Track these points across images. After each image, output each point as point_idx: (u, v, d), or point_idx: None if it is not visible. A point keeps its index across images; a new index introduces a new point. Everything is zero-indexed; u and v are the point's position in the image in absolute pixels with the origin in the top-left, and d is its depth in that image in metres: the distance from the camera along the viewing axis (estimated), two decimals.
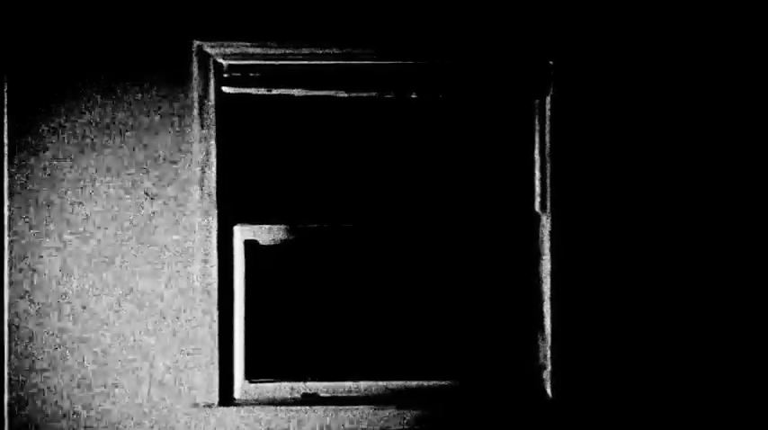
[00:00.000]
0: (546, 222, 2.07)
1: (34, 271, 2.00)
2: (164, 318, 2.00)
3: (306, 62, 2.04)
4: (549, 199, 2.06)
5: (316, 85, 2.06)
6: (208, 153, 2.01)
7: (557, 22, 2.03)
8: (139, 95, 2.01)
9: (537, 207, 2.10)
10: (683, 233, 2.04)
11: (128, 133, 2.01)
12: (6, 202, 2.00)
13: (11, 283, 2.00)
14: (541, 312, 2.09)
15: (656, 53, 2.04)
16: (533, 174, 2.12)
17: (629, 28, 2.04)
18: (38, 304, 2.00)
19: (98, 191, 2.01)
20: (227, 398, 2.05)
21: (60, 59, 2.00)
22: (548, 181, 2.06)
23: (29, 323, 2.00)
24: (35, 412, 2.00)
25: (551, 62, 2.05)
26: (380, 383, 2.09)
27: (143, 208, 2.01)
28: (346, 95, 2.08)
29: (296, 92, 2.07)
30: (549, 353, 2.06)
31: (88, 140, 2.01)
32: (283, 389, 2.09)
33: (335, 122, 2.13)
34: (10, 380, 2.00)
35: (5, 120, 2.00)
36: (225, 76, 2.05)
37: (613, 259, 2.04)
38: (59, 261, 2.00)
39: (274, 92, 2.07)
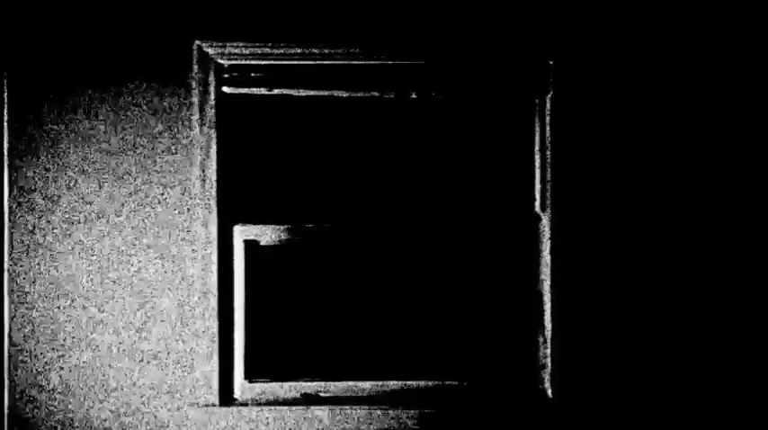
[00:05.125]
0: (546, 222, 2.07)
1: (34, 271, 2.00)
2: (164, 317, 2.01)
3: (306, 62, 2.04)
4: (549, 199, 2.06)
5: (316, 85, 2.06)
6: (208, 153, 2.02)
7: (557, 22, 2.03)
8: (139, 95, 2.01)
9: (537, 207, 2.10)
10: (684, 233, 2.04)
11: (128, 133, 2.01)
12: (6, 202, 2.00)
13: (10, 283, 2.00)
14: (541, 312, 2.09)
15: (655, 53, 2.04)
16: (533, 174, 2.12)
17: (628, 28, 2.04)
18: (37, 304, 2.00)
19: (98, 190, 2.01)
20: (227, 398, 2.05)
21: (60, 59, 2.00)
22: (548, 181, 2.06)
23: (28, 323, 2.00)
24: (35, 412, 2.00)
25: (551, 62, 2.05)
26: (380, 383, 2.09)
27: (143, 208, 2.01)
28: (346, 95, 2.08)
29: (296, 92, 2.07)
30: (549, 353, 2.06)
31: (88, 140, 2.01)
32: (283, 389, 2.09)
33: (335, 122, 2.13)
34: (10, 379, 2.00)
35: (5, 121, 2.00)
36: (225, 76, 2.05)
37: (613, 259, 2.04)
38: (59, 261, 2.00)
39: (274, 92, 2.07)
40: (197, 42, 2.01)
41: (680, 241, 2.04)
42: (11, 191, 2.01)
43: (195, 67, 2.01)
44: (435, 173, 2.13)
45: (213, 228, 2.02)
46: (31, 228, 2.00)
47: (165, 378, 2.01)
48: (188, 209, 2.01)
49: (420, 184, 2.13)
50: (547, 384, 2.08)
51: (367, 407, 2.03)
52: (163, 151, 2.01)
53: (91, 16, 2.01)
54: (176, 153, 2.02)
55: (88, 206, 2.01)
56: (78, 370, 2.00)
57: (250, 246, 2.09)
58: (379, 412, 2.03)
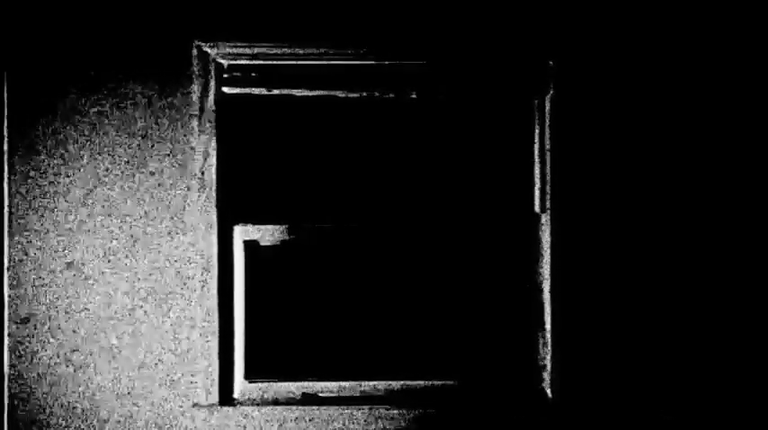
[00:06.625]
0: (546, 222, 2.07)
1: (34, 270, 2.00)
2: (164, 317, 2.01)
3: (306, 62, 2.04)
4: (548, 199, 2.06)
5: (316, 84, 2.06)
6: (208, 153, 2.02)
7: (557, 22, 2.03)
8: (139, 95, 2.01)
9: (537, 207, 2.10)
10: (684, 233, 2.04)
11: (127, 133, 2.01)
12: (6, 202, 2.00)
13: (11, 283, 2.00)
14: (541, 312, 2.09)
15: (656, 53, 2.04)
16: (533, 174, 2.12)
17: (629, 28, 2.04)
18: (37, 304, 2.00)
19: (98, 190, 2.01)
20: (227, 398, 2.05)
21: (60, 60, 2.00)
22: (548, 181, 2.06)
23: (29, 323, 2.00)
24: (35, 412, 2.00)
25: (551, 62, 2.05)
26: (380, 383, 2.09)
27: (143, 208, 2.01)
28: (346, 95, 2.08)
29: (296, 92, 2.07)
30: (549, 353, 2.06)
31: (88, 140, 2.01)
32: (283, 389, 2.09)
33: (335, 122, 2.13)
34: (10, 380, 2.00)
35: (5, 121, 2.00)
36: (225, 76, 2.05)
37: (613, 259, 2.04)
38: (59, 261, 2.00)
39: (274, 92, 2.07)
40: (197, 42, 2.01)
41: (680, 241, 2.04)
42: (11, 191, 2.01)
43: (195, 67, 2.01)
44: (435, 173, 2.13)
45: (213, 228, 2.02)
46: (30, 227, 2.00)
47: (165, 378, 2.01)
48: (188, 209, 2.01)
49: (420, 184, 2.13)
50: (547, 384, 2.08)
51: (367, 407, 2.03)
52: (163, 151, 2.01)
53: (91, 16, 2.01)
54: (176, 153, 2.02)
55: (88, 206, 2.01)
56: (78, 370, 2.00)
57: (250, 246, 2.09)
58: (379, 412, 2.03)
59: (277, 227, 2.09)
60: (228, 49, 2.01)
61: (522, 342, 2.13)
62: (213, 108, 2.02)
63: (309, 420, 2.02)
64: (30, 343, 2.00)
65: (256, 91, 2.06)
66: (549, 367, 2.06)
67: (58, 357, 2.00)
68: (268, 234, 2.09)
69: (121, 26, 2.01)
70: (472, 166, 2.14)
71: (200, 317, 2.01)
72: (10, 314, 2.00)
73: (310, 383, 2.09)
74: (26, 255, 2.00)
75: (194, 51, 2.01)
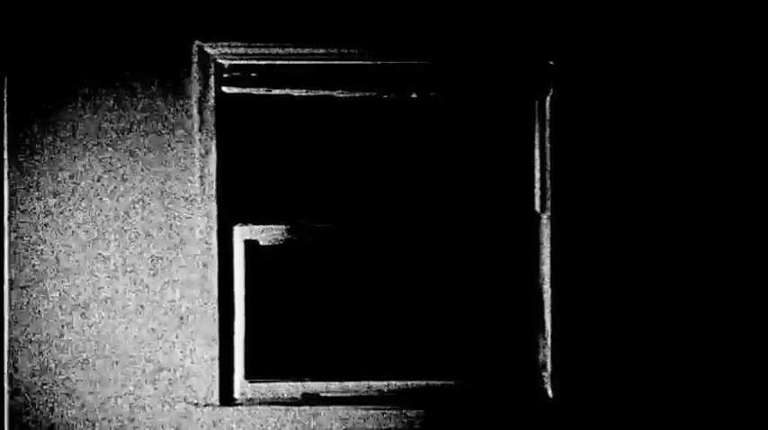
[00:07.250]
0: (546, 222, 2.07)
1: (34, 270, 2.00)
2: (164, 317, 2.01)
3: (306, 62, 2.04)
4: (549, 199, 2.06)
5: (316, 84, 2.06)
6: (208, 153, 2.02)
7: (557, 22, 2.03)
8: (139, 95, 2.01)
9: (537, 207, 2.10)
10: (684, 233, 2.04)
11: (127, 133, 2.01)
12: (6, 202, 2.00)
13: (11, 282, 2.00)
14: (541, 312, 2.09)
15: (656, 53, 2.04)
16: (533, 174, 2.12)
17: (629, 28, 2.04)
18: (37, 304, 2.00)
19: (98, 191, 2.01)
20: (227, 398, 2.05)
21: (60, 60, 2.00)
22: (548, 181, 2.06)
23: (28, 324, 2.00)
24: (35, 412, 2.00)
25: (551, 62, 2.05)
26: (380, 383, 2.09)
27: (142, 208, 2.01)
28: (346, 95, 2.08)
29: (296, 92, 2.07)
30: (549, 353, 2.06)
31: (88, 140, 2.01)
32: (283, 389, 2.09)
33: (335, 122, 2.13)
34: (10, 379, 2.00)
35: (5, 121, 2.00)
36: (225, 76, 2.05)
37: (613, 259, 2.04)
38: (59, 261, 2.00)
39: (274, 92, 2.07)
40: (197, 42, 2.01)
41: (680, 241, 2.04)
42: (11, 191, 2.01)
43: (195, 67, 2.01)
44: (435, 173, 2.13)
45: (213, 228, 2.02)
46: (31, 228, 2.00)
47: (166, 378, 2.01)
48: (188, 209, 2.01)
49: (420, 184, 2.13)
50: (547, 384, 2.08)
51: (367, 407, 2.03)
52: (163, 151, 2.01)
53: (91, 17, 2.01)
54: (176, 153, 2.01)
55: (88, 206, 2.01)
56: (78, 370, 2.00)
57: (250, 246, 2.09)
58: (379, 412, 2.03)
59: (277, 227, 2.09)
60: (228, 49, 2.01)
61: (522, 342, 2.13)
62: (213, 108, 2.02)
63: (310, 420, 2.02)
64: (29, 344, 2.00)
65: (256, 91, 2.06)
66: (549, 367, 2.06)
67: (58, 358, 2.00)
68: (268, 234, 2.09)
69: (122, 26, 2.01)
70: (472, 166, 2.14)
71: (200, 316, 2.01)
72: (9, 314, 2.00)
73: (311, 383, 2.09)
74: (26, 254, 2.00)
75: (194, 51, 2.01)
